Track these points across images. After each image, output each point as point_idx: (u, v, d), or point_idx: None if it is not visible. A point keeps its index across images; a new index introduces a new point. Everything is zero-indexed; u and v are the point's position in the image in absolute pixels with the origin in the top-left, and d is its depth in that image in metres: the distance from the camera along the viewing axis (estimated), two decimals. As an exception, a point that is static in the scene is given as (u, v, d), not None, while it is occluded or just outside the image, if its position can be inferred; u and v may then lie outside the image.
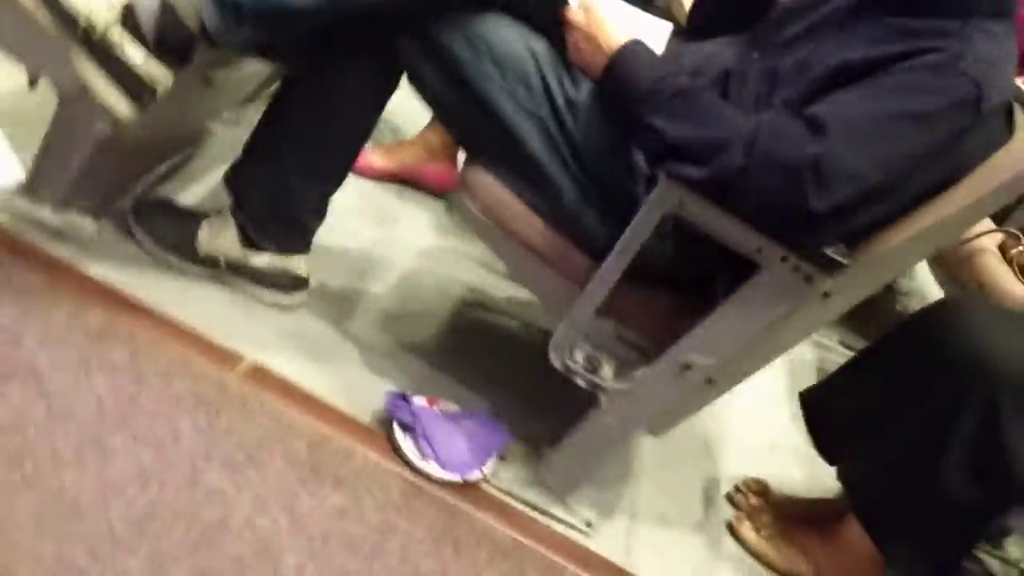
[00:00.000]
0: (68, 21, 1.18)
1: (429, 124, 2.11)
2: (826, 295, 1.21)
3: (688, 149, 1.15)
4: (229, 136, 1.85)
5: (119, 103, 1.24)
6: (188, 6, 1.21)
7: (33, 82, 1.37)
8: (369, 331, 1.63)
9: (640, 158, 1.32)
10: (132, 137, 1.38)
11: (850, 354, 1.67)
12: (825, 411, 1.62)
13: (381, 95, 1.44)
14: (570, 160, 1.33)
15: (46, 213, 1.46)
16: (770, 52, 1.30)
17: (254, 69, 1.58)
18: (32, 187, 1.46)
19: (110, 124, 1.31)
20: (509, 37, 1.32)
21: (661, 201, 1.19)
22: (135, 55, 1.21)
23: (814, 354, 2.37)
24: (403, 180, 2.10)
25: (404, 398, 1.43)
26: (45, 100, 1.41)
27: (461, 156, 2.10)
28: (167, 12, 1.21)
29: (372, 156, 2.05)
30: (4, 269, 1.35)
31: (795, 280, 1.19)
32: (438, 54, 1.31)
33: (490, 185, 1.36)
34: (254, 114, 1.51)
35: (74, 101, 1.33)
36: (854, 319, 2.25)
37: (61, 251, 1.43)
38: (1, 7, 1.30)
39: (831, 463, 1.62)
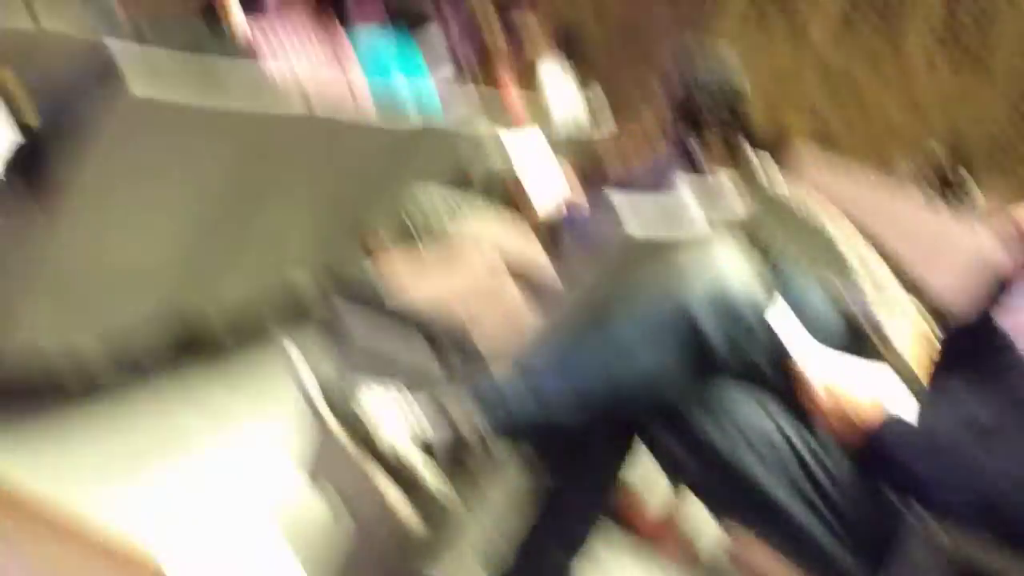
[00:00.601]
0: (378, 455, 1.39)
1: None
2: None
3: (964, 499, 1.22)
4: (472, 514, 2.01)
5: (413, 520, 1.41)
6: (471, 432, 1.43)
7: (331, 509, 1.57)
8: None
9: (895, 498, 1.37)
10: (415, 545, 1.55)
11: None
12: None
13: (622, 463, 1.59)
14: (823, 508, 1.40)
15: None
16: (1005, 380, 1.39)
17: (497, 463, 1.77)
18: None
19: (401, 539, 1.48)
20: (747, 405, 1.45)
21: (936, 543, 1.24)
22: (430, 478, 1.40)
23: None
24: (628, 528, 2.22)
25: None
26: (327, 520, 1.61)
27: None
28: (456, 439, 1.42)
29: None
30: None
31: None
32: (683, 431, 1.45)
33: (746, 543, 1.44)
34: (493, 494, 1.66)
35: (368, 521, 1.51)
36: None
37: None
38: (319, 445, 1.54)
39: None
